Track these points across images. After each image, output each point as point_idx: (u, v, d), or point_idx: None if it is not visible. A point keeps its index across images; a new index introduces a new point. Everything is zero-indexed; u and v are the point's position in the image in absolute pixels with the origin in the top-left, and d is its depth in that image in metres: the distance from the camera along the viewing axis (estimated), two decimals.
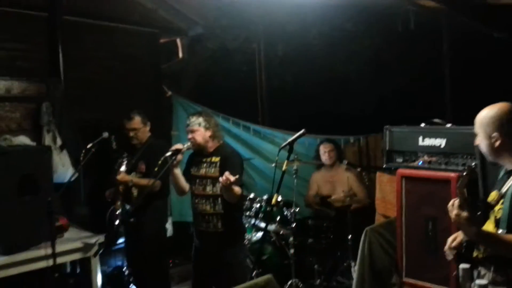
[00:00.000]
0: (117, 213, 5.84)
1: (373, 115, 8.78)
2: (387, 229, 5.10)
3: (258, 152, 8.39)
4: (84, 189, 6.58)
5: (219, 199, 4.86)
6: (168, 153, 4.66)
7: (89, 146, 5.51)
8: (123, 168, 5.76)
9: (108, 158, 6.21)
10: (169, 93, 8.46)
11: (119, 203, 5.87)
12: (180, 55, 9.55)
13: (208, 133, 4.92)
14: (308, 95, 9.59)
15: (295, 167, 6.76)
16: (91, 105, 7.27)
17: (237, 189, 4.66)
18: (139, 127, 5.97)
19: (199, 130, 4.91)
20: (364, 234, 5.03)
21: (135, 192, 5.85)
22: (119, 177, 5.73)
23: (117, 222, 5.75)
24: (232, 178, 4.35)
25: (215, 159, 4.96)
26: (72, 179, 5.81)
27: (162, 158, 4.70)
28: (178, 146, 4.74)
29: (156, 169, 4.92)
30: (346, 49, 10.01)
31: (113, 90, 7.54)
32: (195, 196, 5.01)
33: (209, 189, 4.93)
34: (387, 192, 5.96)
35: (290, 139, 4.15)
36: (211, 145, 5.01)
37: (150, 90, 8.12)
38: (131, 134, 5.96)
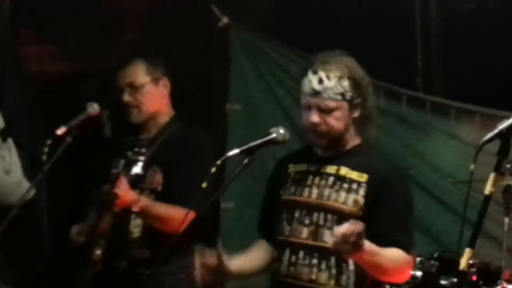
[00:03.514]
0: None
1: None
2: None
3: (420, 153, 5.79)
4: (48, 222, 4.60)
5: (351, 262, 3.27)
6: (234, 151, 3.15)
7: (59, 131, 3.95)
8: (137, 168, 3.95)
9: (99, 158, 4.71)
10: (224, 20, 6.02)
11: (97, 253, 4.02)
12: None
13: (355, 113, 3.33)
14: None
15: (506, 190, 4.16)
16: (65, 46, 5.79)
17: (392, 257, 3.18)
18: (142, 82, 4.25)
19: (341, 106, 3.29)
20: None
21: (136, 227, 4.16)
22: (120, 190, 3.85)
23: None
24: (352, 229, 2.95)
25: (357, 174, 3.33)
26: (28, 197, 4.29)
27: (220, 160, 3.18)
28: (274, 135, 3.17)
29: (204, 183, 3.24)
30: None
31: (103, 16, 5.96)
32: (291, 246, 3.36)
33: (328, 236, 3.25)
34: None
35: (502, 125, 2.64)
36: (350, 140, 3.41)
37: (180, 15, 6.10)
38: (125, 97, 4.25)
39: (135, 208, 3.96)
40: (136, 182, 4.10)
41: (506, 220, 4.22)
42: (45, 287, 4.88)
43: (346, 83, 3.23)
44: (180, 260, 4.03)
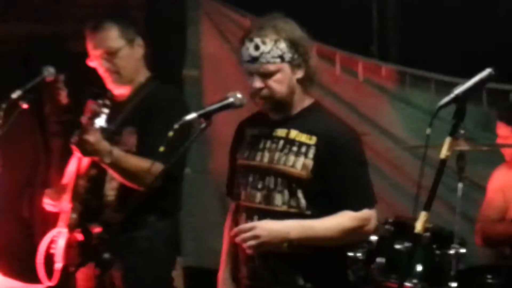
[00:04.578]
0: (57, 240, 4.00)
1: None
2: None
3: (374, 119, 5.79)
4: (5, 193, 4.95)
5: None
6: (192, 116, 3.13)
7: (14, 95, 3.96)
8: (100, 121, 3.85)
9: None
10: None
11: (73, 217, 3.93)
12: None
13: (298, 73, 3.25)
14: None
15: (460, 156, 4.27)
16: (19, 9, 5.72)
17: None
18: (118, 46, 4.04)
19: (281, 69, 3.22)
20: None
21: (111, 190, 4.02)
22: (91, 137, 3.77)
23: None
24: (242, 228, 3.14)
25: (306, 137, 3.26)
26: None
27: (178, 124, 3.14)
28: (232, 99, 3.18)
29: (162, 147, 3.25)
30: None
31: None
32: (247, 211, 3.34)
33: (279, 199, 3.23)
34: None
35: (458, 90, 2.67)
36: (298, 101, 3.34)
37: None
38: (104, 64, 4.02)
39: (107, 160, 3.85)
40: (113, 144, 4.02)
41: (460, 185, 4.29)
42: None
43: (283, 44, 3.19)
44: (155, 223, 4.03)
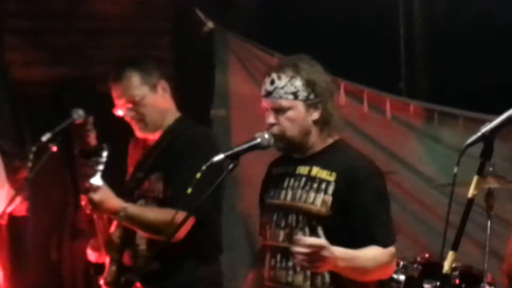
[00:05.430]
0: None
1: None
2: None
3: (402, 157, 5.75)
4: (33, 235, 5.08)
5: None
6: (219, 157, 3.09)
7: (44, 138, 3.87)
8: (95, 180, 3.71)
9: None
10: (209, 25, 5.96)
11: (113, 269, 3.88)
12: None
13: (315, 115, 3.22)
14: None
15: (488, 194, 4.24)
16: (49, 52, 5.83)
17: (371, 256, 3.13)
18: (142, 95, 3.88)
19: (294, 106, 3.20)
20: None
21: (142, 239, 3.89)
22: (96, 196, 3.64)
23: None
24: (312, 243, 2.96)
25: (326, 173, 3.24)
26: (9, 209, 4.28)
27: (205, 166, 3.11)
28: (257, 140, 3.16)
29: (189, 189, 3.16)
30: None
31: (86, 20, 5.99)
32: (271, 250, 3.35)
33: (300, 236, 3.20)
34: None
35: (485, 128, 2.57)
36: (317, 142, 3.30)
37: (164, 19, 6.30)
38: (128, 114, 3.89)
39: (120, 217, 3.76)
40: (141, 191, 3.97)
41: (489, 223, 4.24)
42: None
43: (298, 82, 3.18)
44: (194, 270, 3.89)
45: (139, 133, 3.92)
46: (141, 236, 3.82)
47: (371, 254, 3.02)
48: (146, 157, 3.98)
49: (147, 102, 3.88)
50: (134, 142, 4.11)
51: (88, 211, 3.77)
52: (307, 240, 2.95)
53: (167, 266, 3.83)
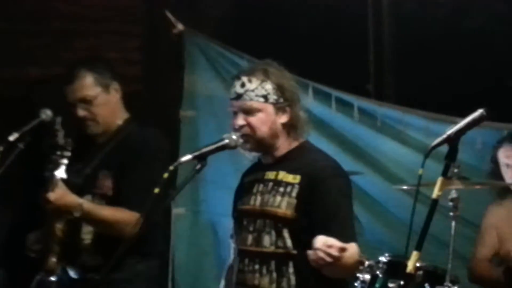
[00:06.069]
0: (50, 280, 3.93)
1: None
2: None
3: (371, 159, 5.76)
4: None
5: (290, 264, 3.24)
6: (187, 157, 3.11)
7: (11, 137, 3.95)
8: (59, 172, 3.84)
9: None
10: (179, 27, 5.91)
11: (53, 260, 3.90)
12: None
13: (283, 118, 3.28)
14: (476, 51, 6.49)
15: (453, 195, 4.26)
16: (16, 52, 5.83)
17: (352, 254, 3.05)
18: (94, 95, 4.04)
19: (264, 109, 3.25)
20: None
21: (87, 236, 3.99)
22: (52, 195, 3.77)
23: None
24: (341, 245, 2.89)
25: (291, 177, 3.27)
26: None
27: (173, 166, 3.13)
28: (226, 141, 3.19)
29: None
30: None
31: (55, 22, 5.98)
32: (240, 254, 3.40)
33: (267, 241, 3.28)
34: None
35: (450, 130, 2.70)
36: (284, 145, 3.35)
37: (133, 21, 6.26)
38: (80, 112, 4.04)
39: (76, 213, 3.83)
40: (88, 187, 4.02)
41: (453, 224, 4.30)
42: None
43: (269, 86, 3.23)
44: (135, 266, 3.96)
45: (89, 132, 4.04)
46: (88, 231, 3.93)
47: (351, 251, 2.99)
48: (94, 154, 4.10)
49: (100, 102, 4.02)
50: (80, 139, 4.15)
51: (45, 206, 3.81)
52: (330, 241, 2.94)
53: (108, 261, 3.74)
